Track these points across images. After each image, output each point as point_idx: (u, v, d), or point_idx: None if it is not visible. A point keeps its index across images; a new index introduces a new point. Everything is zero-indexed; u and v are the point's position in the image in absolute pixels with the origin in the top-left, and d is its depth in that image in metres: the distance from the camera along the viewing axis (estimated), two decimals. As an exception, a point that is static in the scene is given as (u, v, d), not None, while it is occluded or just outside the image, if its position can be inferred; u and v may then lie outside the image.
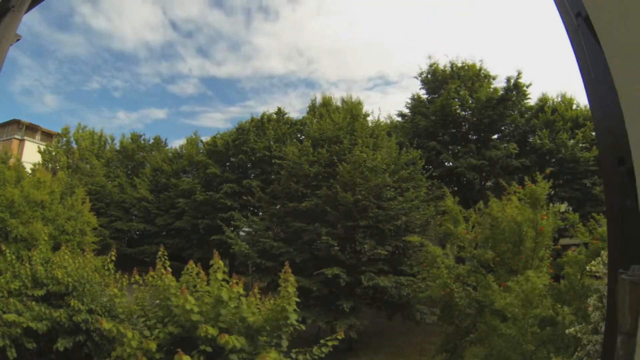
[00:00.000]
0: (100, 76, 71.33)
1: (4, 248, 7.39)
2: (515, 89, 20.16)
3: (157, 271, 5.76)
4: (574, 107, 21.48)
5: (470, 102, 20.35)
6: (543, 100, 21.81)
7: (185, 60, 78.98)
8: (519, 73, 19.87)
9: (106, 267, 7.31)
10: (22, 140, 34.53)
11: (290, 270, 5.01)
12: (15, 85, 61.64)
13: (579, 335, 5.06)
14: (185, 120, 72.60)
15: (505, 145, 19.55)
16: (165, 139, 34.48)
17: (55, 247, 8.61)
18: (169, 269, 5.72)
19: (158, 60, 77.85)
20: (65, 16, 68.93)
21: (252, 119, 25.01)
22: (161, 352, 4.56)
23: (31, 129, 35.72)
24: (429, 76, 22.30)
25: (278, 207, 15.90)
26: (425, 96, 22.53)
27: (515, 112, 20.59)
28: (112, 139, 35.01)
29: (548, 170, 9.66)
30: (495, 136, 21.05)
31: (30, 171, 17.58)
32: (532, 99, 21.49)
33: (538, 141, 19.81)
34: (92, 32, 70.78)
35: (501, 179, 13.89)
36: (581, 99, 21.92)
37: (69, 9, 67.50)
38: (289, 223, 14.32)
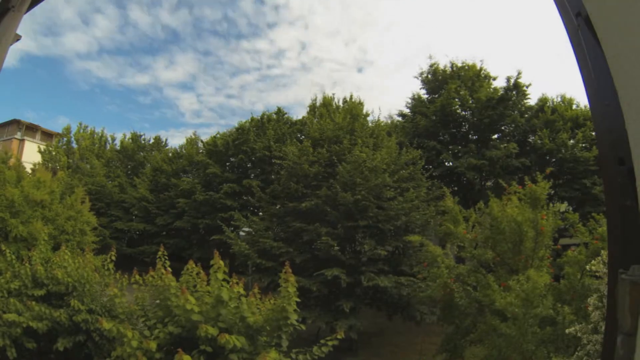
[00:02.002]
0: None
1: (3, 248, 7.39)
2: (515, 88, 20.18)
3: (157, 271, 5.76)
4: (574, 107, 21.48)
5: (471, 102, 20.36)
6: (543, 100, 21.83)
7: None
8: (519, 73, 19.93)
9: (106, 267, 7.30)
10: (22, 140, 34.52)
11: (290, 270, 5.02)
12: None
13: (579, 334, 5.06)
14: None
15: (505, 145, 19.54)
16: (166, 139, 34.55)
17: (55, 247, 8.61)
18: (169, 269, 5.73)
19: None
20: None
21: (252, 119, 25.03)
22: (161, 352, 4.56)
23: (31, 129, 35.71)
24: (429, 76, 22.31)
25: (278, 207, 15.89)
26: (425, 96, 22.55)
27: (515, 112, 20.59)
28: (113, 139, 35.02)
29: (548, 170, 9.66)
30: (495, 136, 21.07)
31: (30, 171, 17.57)
32: (532, 99, 21.56)
33: (538, 141, 19.81)
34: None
35: (501, 179, 13.88)
36: (581, 99, 21.96)
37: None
38: (289, 223, 14.31)
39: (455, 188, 20.16)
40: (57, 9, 64.67)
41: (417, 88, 25.55)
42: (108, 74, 72.44)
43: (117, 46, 73.54)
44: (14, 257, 7.06)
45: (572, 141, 19.55)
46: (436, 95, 21.42)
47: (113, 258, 7.39)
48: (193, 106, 77.19)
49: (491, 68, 33.31)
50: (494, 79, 21.50)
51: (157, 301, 5.45)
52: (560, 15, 1.21)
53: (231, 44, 75.77)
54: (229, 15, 75.23)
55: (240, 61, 73.79)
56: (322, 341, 4.90)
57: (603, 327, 4.44)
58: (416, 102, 22.62)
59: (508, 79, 20.15)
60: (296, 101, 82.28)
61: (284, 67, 69.76)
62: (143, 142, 33.43)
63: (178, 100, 77.67)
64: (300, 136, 22.09)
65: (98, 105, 71.96)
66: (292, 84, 69.10)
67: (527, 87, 20.34)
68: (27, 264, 6.69)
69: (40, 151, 29.18)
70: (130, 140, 32.91)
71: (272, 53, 72.46)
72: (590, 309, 5.06)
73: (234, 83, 76.49)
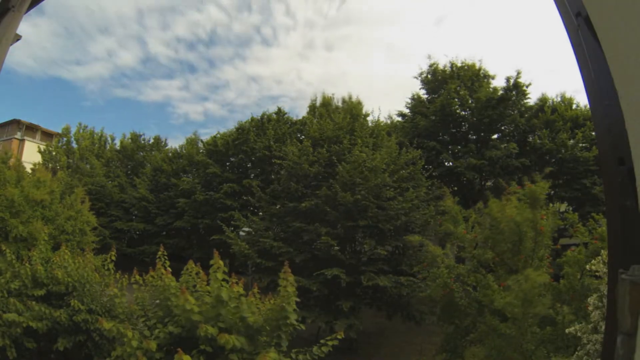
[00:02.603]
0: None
1: (4, 248, 7.39)
2: (515, 88, 20.18)
3: (157, 271, 5.75)
4: (574, 107, 21.48)
5: (470, 102, 20.36)
6: (543, 100, 21.82)
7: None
8: (519, 73, 19.92)
9: (106, 267, 7.30)
10: (22, 140, 34.51)
11: (289, 270, 5.01)
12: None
13: (579, 334, 5.07)
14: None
15: (505, 145, 19.55)
16: (165, 139, 34.52)
17: (55, 247, 8.61)
18: (169, 269, 5.72)
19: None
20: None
21: (252, 119, 25.01)
22: (161, 352, 4.56)
23: (31, 129, 35.70)
24: (428, 76, 22.31)
25: (278, 207, 15.89)
26: (425, 96, 22.55)
27: (515, 111, 20.60)
28: (112, 139, 34.97)
29: (547, 170, 9.65)
30: (495, 136, 21.08)
31: (30, 171, 17.56)
32: (532, 99, 21.56)
33: (538, 141, 19.81)
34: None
35: (501, 179, 13.90)
36: (581, 99, 21.97)
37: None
38: (289, 223, 14.31)
39: (455, 188, 20.17)
40: (88, 45, 73.30)
41: (416, 88, 25.56)
42: (126, 93, 78.98)
43: (138, 73, 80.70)
44: (14, 257, 7.05)
45: (572, 141, 19.54)
46: (436, 95, 21.42)
47: (113, 258, 7.38)
48: (200, 118, 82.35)
49: (491, 68, 33.33)
50: (493, 77, 21.52)
51: (157, 301, 5.44)
52: (560, 15, 1.21)
53: (239, 71, 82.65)
54: (240, 53, 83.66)
55: (246, 86, 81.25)
56: (322, 341, 4.90)
57: (603, 327, 4.44)
58: (416, 102, 22.62)
59: (508, 79, 20.17)
60: (291, 112, 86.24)
61: (281, 89, 77.61)
62: (143, 142, 33.40)
63: (188, 114, 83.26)
64: (300, 136, 22.09)
65: (107, 114, 76.95)
66: (288, 99, 74.19)
67: (526, 86, 20.35)
68: (27, 264, 6.68)
69: (40, 151, 29.17)
70: (130, 140, 32.88)
71: (272, 79, 79.87)
72: (590, 308, 5.06)
73: (239, 102, 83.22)
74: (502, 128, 21.07)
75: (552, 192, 17.67)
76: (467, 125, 21.02)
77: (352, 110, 18.68)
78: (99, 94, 76.89)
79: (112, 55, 78.72)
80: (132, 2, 78.05)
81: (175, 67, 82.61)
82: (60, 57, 74.17)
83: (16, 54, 66.96)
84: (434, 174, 19.10)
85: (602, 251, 6.02)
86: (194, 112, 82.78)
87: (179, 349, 4.05)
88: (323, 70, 75.48)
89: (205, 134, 77.96)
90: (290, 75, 76.22)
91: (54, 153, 29.37)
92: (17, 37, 1.98)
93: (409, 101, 23.07)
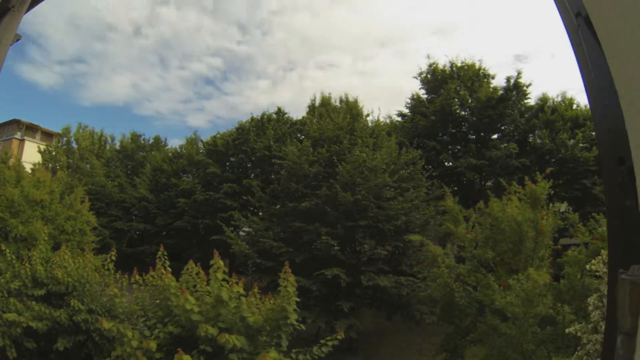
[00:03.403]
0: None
1: (4, 248, 7.38)
2: (515, 88, 20.18)
3: (157, 271, 5.75)
4: (574, 107, 21.48)
5: (470, 101, 20.36)
6: (543, 100, 21.83)
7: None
8: (519, 73, 19.94)
9: (106, 267, 7.30)
10: (22, 140, 34.54)
11: (290, 270, 5.02)
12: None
13: (579, 334, 5.06)
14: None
15: (505, 145, 19.56)
16: (165, 139, 34.52)
17: (55, 247, 8.61)
18: (169, 269, 5.72)
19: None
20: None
21: (252, 119, 25.00)
22: (161, 352, 4.56)
23: (31, 129, 35.73)
24: (428, 76, 22.30)
25: (278, 207, 15.90)
26: (425, 96, 22.54)
27: (515, 111, 20.59)
28: (112, 139, 35.00)
29: (548, 170, 9.65)
30: (495, 136, 21.07)
31: (30, 171, 17.56)
32: (532, 99, 21.56)
33: (538, 141, 19.82)
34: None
35: (501, 179, 13.89)
36: (581, 99, 21.97)
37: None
38: (289, 223, 14.31)
39: (455, 188, 20.15)
40: (114, 76, 78.60)
41: (416, 88, 25.56)
42: (143, 111, 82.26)
43: (156, 96, 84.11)
44: (14, 257, 7.05)
45: (572, 141, 19.54)
46: (436, 95, 21.41)
47: (113, 258, 7.39)
48: (206, 130, 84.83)
49: (491, 67, 33.39)
50: (493, 77, 21.52)
51: (157, 301, 5.45)
52: (560, 15, 1.21)
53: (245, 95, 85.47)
54: (249, 81, 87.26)
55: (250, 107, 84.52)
56: (322, 341, 4.90)
57: (603, 327, 4.44)
58: (416, 102, 22.62)
59: (508, 79, 20.18)
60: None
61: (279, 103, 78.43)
62: (143, 142, 33.41)
63: (197, 128, 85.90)
64: (300, 136, 22.08)
65: (114, 122, 79.71)
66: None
67: (526, 86, 20.36)
68: (27, 264, 6.68)
69: (40, 151, 29.17)
70: (130, 140, 32.89)
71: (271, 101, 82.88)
72: (590, 308, 5.06)
73: (244, 118, 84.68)
74: (502, 128, 21.07)
75: (552, 192, 17.67)
76: (467, 125, 21.01)
77: (352, 110, 18.65)
78: (116, 114, 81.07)
79: (135, 86, 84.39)
80: (155, 49, 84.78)
81: (191, 96, 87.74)
82: (86, 84, 78.94)
83: (44, 80, 69.70)
84: (434, 174, 19.09)
85: (602, 251, 6.01)
86: (202, 125, 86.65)
87: (179, 349, 4.06)
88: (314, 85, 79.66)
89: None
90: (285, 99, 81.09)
91: (54, 153, 29.37)
92: (17, 37, 1.98)
93: (409, 101, 23.10)
